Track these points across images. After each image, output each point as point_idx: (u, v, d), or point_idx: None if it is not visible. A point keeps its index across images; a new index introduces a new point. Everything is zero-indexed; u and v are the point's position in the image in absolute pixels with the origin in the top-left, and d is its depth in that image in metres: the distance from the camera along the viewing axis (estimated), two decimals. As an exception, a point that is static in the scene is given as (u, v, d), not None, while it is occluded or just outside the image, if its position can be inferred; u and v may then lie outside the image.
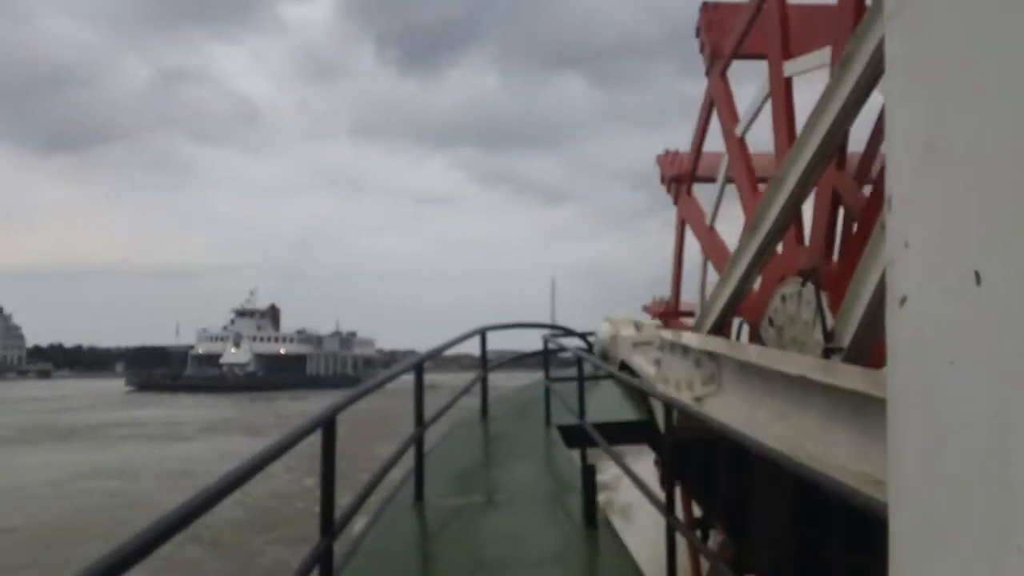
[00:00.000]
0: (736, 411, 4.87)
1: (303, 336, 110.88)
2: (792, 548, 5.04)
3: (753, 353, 5.42)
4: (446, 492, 5.80)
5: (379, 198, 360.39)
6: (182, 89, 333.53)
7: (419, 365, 5.47)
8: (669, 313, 11.43)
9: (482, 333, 8.46)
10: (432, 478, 5.69)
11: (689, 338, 5.87)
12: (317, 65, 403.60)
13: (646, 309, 12.11)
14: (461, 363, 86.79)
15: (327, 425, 2.97)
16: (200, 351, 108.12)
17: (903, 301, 0.97)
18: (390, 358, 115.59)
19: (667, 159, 11.15)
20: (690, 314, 10.84)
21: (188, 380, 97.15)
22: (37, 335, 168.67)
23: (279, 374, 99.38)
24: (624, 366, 7.09)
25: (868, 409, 3.61)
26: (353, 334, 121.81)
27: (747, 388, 4.82)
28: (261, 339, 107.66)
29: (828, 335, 5.36)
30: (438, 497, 5.58)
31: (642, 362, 6.63)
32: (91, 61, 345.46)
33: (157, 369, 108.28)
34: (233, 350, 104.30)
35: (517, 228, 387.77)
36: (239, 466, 2.12)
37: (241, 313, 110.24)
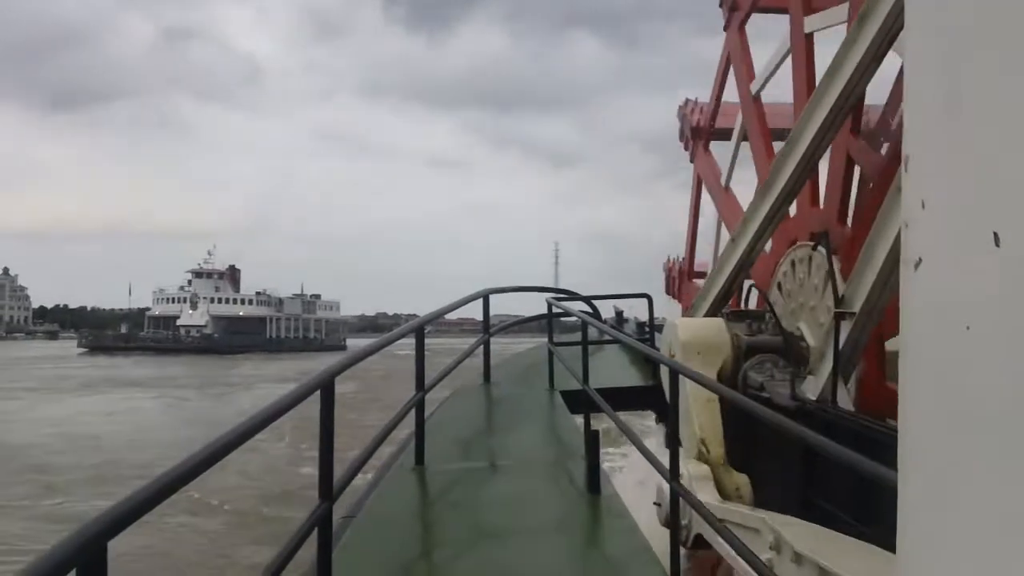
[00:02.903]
0: None
1: (262, 298, 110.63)
2: (800, 516, 5.25)
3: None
4: (447, 457, 6.05)
5: (384, 160, 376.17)
6: (186, 48, 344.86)
7: (420, 328, 5.71)
8: (683, 274, 11.86)
9: (485, 297, 8.77)
10: (433, 443, 5.95)
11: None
12: (323, 23, 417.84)
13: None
14: (463, 327, 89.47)
15: (325, 387, 3.08)
16: (156, 312, 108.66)
17: (918, 263, 0.98)
18: (393, 321, 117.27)
19: (687, 109, 11.41)
20: (704, 275, 11.25)
21: (141, 342, 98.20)
22: (41, 296, 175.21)
23: (237, 337, 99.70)
24: (700, 541, 5.93)
25: None
26: (317, 296, 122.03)
27: None
28: (219, 300, 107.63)
29: (839, 300, 5.67)
30: (439, 462, 5.83)
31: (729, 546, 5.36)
32: (95, 19, 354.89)
33: (108, 330, 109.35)
34: (190, 311, 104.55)
35: (525, 192, 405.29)
36: (240, 425, 2.29)
37: (198, 274, 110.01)
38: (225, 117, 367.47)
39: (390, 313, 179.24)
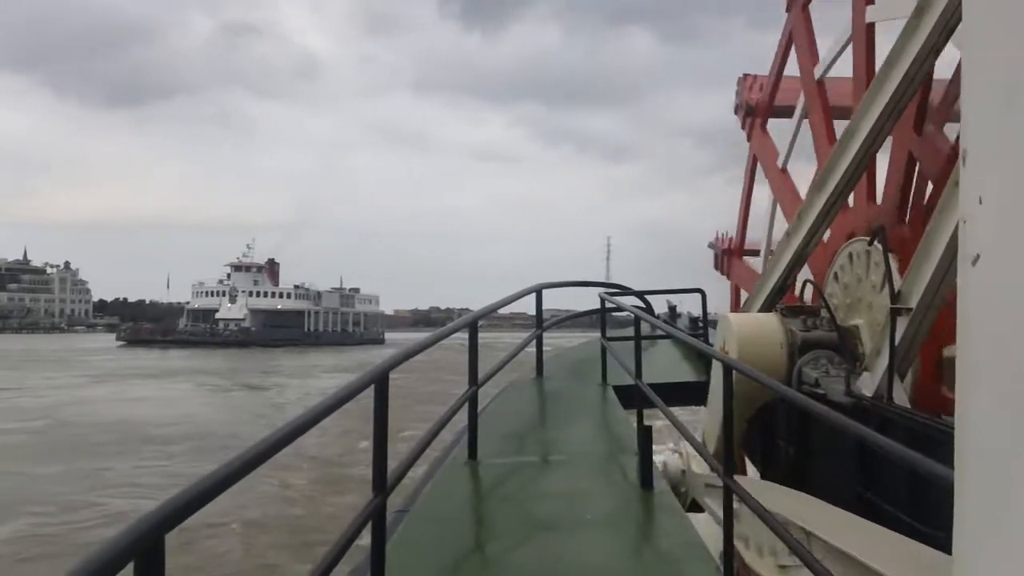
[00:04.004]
0: None
1: (301, 291, 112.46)
2: (854, 512, 5.34)
3: (846, 534, 4.93)
4: (500, 451, 6.21)
5: (436, 155, 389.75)
6: (244, 43, 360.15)
7: (473, 323, 5.89)
8: (733, 251, 11.81)
9: (538, 291, 8.95)
10: (486, 437, 6.12)
11: (775, 500, 5.24)
12: (377, 19, 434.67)
13: (711, 245, 12.41)
14: (515, 322, 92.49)
15: (380, 382, 3.15)
16: (196, 306, 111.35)
17: (976, 259, 0.98)
18: (445, 316, 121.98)
19: (746, 83, 11.35)
20: (755, 252, 11.21)
21: (179, 335, 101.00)
22: (100, 289, 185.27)
23: (275, 330, 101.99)
24: (695, 506, 7.19)
25: None
26: (356, 290, 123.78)
27: (843, 570, 4.57)
28: (257, 294, 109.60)
29: (895, 296, 5.72)
30: (492, 456, 5.99)
31: (716, 509, 6.57)
32: (155, 14, 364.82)
33: (146, 323, 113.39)
34: (228, 305, 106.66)
35: (577, 186, 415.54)
36: (294, 420, 2.39)
37: (237, 267, 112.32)
38: (279, 112, 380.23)
39: (442, 307, 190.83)
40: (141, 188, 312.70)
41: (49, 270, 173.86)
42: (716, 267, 12.42)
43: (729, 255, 11.90)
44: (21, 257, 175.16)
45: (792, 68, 9.87)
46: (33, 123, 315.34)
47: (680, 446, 7.60)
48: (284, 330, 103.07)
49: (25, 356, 68.48)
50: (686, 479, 7.31)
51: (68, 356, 69.01)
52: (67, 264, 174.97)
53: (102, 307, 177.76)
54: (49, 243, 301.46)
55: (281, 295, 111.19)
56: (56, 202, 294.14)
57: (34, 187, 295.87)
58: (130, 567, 1.50)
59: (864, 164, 6.37)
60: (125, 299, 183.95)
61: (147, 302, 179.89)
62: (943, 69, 6.55)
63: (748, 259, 11.67)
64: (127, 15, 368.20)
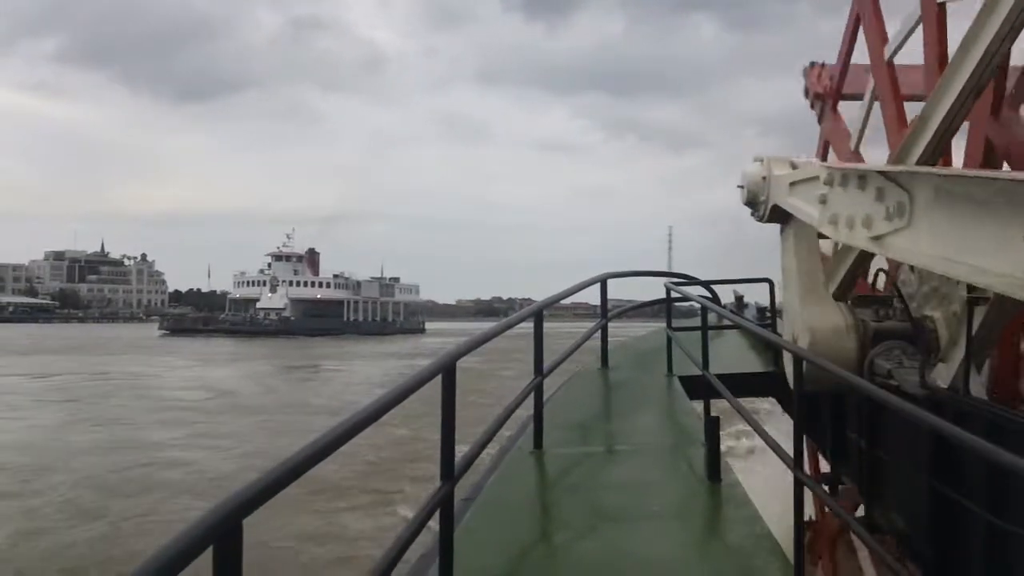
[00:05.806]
0: (931, 248, 4.64)
1: (340, 281, 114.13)
2: (928, 507, 5.31)
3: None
4: (565, 441, 6.33)
5: (501, 146, 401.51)
6: (311, 38, 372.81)
7: (539, 313, 6.00)
8: (829, 94, 10.84)
9: (603, 281, 9.09)
10: (551, 427, 6.23)
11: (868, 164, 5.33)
12: (443, 11, 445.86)
13: (807, 74, 11.28)
14: (576, 312, 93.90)
15: (447, 371, 3.21)
16: (237, 295, 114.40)
17: None
18: (507, 306, 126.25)
19: (814, 72, 11.04)
20: (858, 97, 10.10)
21: (219, 324, 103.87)
22: (174, 280, 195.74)
23: (315, 319, 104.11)
24: (777, 213, 6.83)
25: None
26: (396, 279, 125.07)
27: (949, 216, 4.44)
28: (297, 283, 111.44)
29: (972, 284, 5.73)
30: (557, 446, 6.11)
31: (801, 204, 6.37)
32: (223, 10, 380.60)
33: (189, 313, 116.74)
34: (269, 295, 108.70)
35: (640, 176, 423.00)
36: (365, 408, 2.46)
37: (278, 257, 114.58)
38: (346, 105, 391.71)
39: (504, 297, 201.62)
40: (211, 182, 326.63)
41: (127, 262, 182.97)
42: (806, 96, 11.34)
43: (824, 100, 10.87)
44: (99, 249, 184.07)
45: (859, 55, 9.70)
46: (109, 118, 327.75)
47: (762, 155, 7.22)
48: (324, 319, 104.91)
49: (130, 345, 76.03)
50: (767, 186, 6.86)
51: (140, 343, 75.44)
52: (143, 256, 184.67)
53: (177, 297, 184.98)
54: (124, 235, 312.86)
55: (320, 284, 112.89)
56: (130, 195, 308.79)
57: (110, 181, 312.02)
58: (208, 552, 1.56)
59: (940, 150, 6.34)
60: (199, 289, 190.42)
61: (218, 292, 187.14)
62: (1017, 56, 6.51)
63: (842, 109, 10.66)
64: (196, 11, 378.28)
